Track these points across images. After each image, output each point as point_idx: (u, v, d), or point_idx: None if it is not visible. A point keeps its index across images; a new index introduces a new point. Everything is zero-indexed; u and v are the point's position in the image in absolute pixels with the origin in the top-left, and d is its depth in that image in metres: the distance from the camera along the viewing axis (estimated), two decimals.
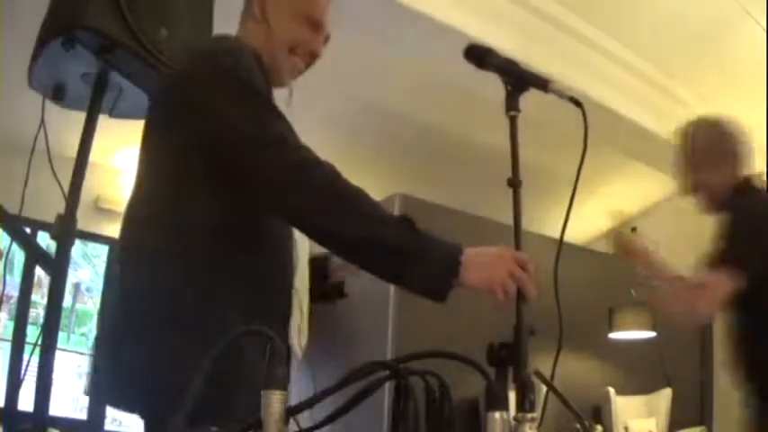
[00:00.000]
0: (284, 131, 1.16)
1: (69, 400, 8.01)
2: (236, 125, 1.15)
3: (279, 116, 1.19)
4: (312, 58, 1.40)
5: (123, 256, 1.23)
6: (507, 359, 0.98)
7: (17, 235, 1.51)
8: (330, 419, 0.88)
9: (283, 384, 0.80)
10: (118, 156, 4.93)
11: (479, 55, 1.26)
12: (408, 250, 1.11)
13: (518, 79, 1.20)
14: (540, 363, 0.98)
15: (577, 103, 1.12)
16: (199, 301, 1.14)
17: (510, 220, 1.13)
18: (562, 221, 1.11)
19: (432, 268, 1.11)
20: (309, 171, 1.12)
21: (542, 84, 1.16)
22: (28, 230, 1.58)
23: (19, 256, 1.78)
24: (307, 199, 1.12)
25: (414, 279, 1.13)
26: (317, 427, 0.90)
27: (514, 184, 1.16)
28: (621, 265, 4.70)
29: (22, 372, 1.52)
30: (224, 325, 0.97)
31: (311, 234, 1.18)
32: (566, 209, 1.11)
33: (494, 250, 1.15)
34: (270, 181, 1.14)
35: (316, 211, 1.12)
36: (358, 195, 1.13)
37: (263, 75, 1.24)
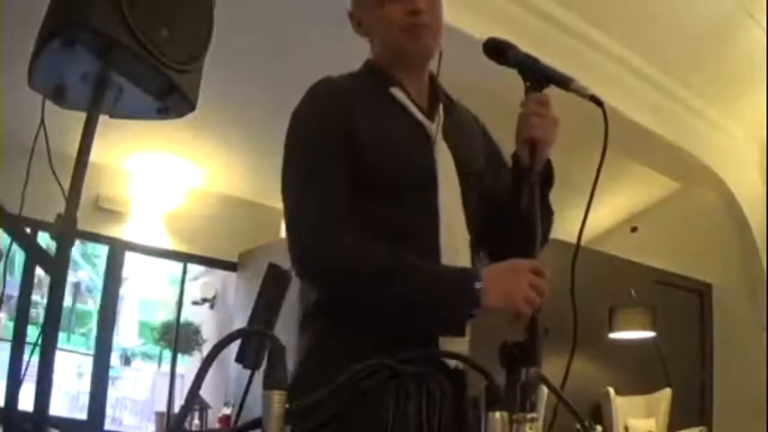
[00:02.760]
0: (306, 202, 1.21)
1: (69, 400, 8.02)
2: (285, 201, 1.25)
3: (312, 178, 1.22)
4: (416, 15, 1.30)
5: None
6: (520, 359, 0.97)
7: (17, 235, 1.51)
8: (331, 419, 0.88)
9: (283, 385, 0.80)
10: (130, 159, 4.95)
11: (500, 49, 1.20)
12: (420, 301, 1.12)
13: (539, 76, 1.16)
14: (543, 363, 0.98)
15: (598, 103, 1.09)
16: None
17: None
18: (568, 221, 1.11)
19: (448, 309, 1.12)
20: (319, 251, 1.18)
21: (564, 81, 1.12)
22: (28, 230, 1.58)
23: (19, 256, 1.78)
24: (317, 273, 1.20)
25: (435, 324, 1.15)
26: (319, 426, 0.90)
27: (530, 181, 1.14)
28: (621, 265, 4.72)
29: (22, 372, 1.51)
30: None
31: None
32: (571, 209, 1.10)
33: (508, 266, 1.13)
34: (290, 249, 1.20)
35: (330, 284, 1.19)
36: (360, 260, 1.16)
37: (368, 81, 1.32)
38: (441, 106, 1.36)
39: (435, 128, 1.31)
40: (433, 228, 1.23)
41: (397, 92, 1.32)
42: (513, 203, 1.24)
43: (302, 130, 1.28)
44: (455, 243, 1.25)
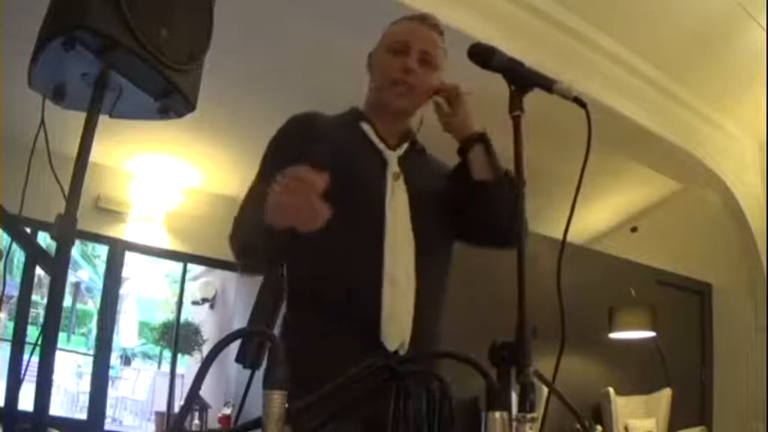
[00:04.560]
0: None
1: (69, 399, 8.02)
2: None
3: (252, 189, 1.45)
4: (407, 73, 1.47)
5: None
6: (509, 359, 0.97)
7: (17, 235, 1.51)
8: (331, 419, 0.88)
9: (283, 385, 0.80)
10: (130, 159, 4.96)
11: (483, 54, 1.24)
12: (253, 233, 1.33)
13: (522, 79, 1.19)
14: (541, 363, 0.98)
15: (581, 104, 1.10)
16: None
17: None
18: (564, 222, 1.11)
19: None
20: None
21: (547, 84, 1.15)
22: (28, 230, 1.58)
23: (19, 256, 1.78)
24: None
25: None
26: (319, 427, 0.90)
27: (518, 184, 1.15)
28: (621, 264, 4.73)
29: (22, 372, 1.52)
30: None
31: None
32: (568, 209, 1.10)
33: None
34: None
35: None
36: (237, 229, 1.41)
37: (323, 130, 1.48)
38: (406, 145, 1.52)
39: (391, 155, 1.48)
40: (378, 231, 1.36)
41: (364, 125, 1.50)
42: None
43: (268, 146, 1.51)
44: (397, 247, 1.37)
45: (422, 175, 1.49)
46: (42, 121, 1.45)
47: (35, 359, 1.36)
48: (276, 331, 1.45)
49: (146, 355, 10.75)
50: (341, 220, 1.29)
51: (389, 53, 1.49)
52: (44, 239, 4.21)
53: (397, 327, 1.31)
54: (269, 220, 1.20)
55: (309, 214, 1.14)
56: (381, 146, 1.48)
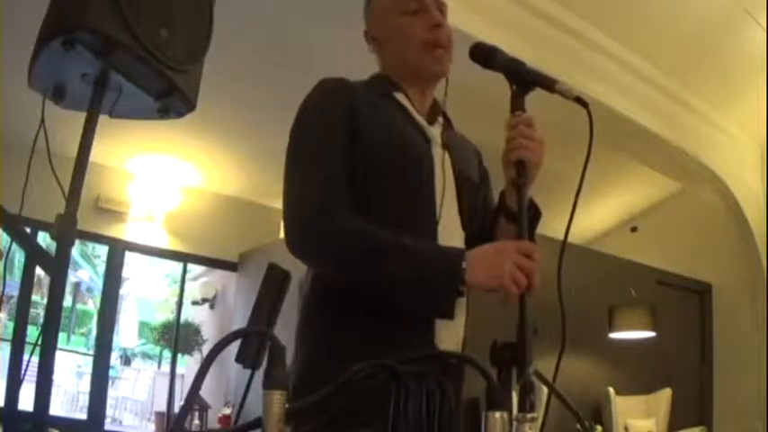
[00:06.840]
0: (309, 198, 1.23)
1: (69, 399, 8.03)
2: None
3: (319, 173, 1.24)
4: (439, 28, 1.37)
5: None
6: (510, 359, 0.97)
7: (17, 235, 1.51)
8: (330, 420, 0.88)
9: (283, 385, 0.80)
10: (130, 159, 4.96)
11: (485, 54, 1.24)
12: (408, 278, 1.14)
13: (524, 79, 1.19)
14: (542, 363, 0.98)
15: (583, 104, 1.10)
16: None
17: None
18: (565, 222, 1.11)
19: (435, 284, 1.14)
20: (318, 236, 1.20)
21: (549, 84, 1.15)
22: (28, 230, 1.58)
23: (19, 256, 1.78)
24: (314, 258, 1.24)
25: (420, 302, 1.17)
26: (318, 427, 0.90)
27: (518, 184, 1.16)
28: (621, 265, 4.73)
29: (22, 372, 1.52)
30: None
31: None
32: (569, 209, 1.10)
33: (495, 245, 1.17)
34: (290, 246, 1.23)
35: (323, 265, 1.24)
36: (353, 239, 1.19)
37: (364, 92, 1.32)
38: (440, 119, 1.42)
39: (434, 132, 1.37)
40: (429, 223, 1.27)
41: (399, 96, 1.38)
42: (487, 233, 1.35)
43: (307, 116, 1.32)
44: (450, 241, 1.28)
45: (461, 154, 1.41)
46: (42, 121, 1.44)
47: (35, 359, 1.36)
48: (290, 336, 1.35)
49: (146, 355, 10.76)
50: (397, 202, 1.25)
51: (406, 16, 1.38)
52: (44, 239, 4.21)
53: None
54: (472, 278, 1.11)
55: (519, 287, 1.08)
56: (420, 120, 1.37)
